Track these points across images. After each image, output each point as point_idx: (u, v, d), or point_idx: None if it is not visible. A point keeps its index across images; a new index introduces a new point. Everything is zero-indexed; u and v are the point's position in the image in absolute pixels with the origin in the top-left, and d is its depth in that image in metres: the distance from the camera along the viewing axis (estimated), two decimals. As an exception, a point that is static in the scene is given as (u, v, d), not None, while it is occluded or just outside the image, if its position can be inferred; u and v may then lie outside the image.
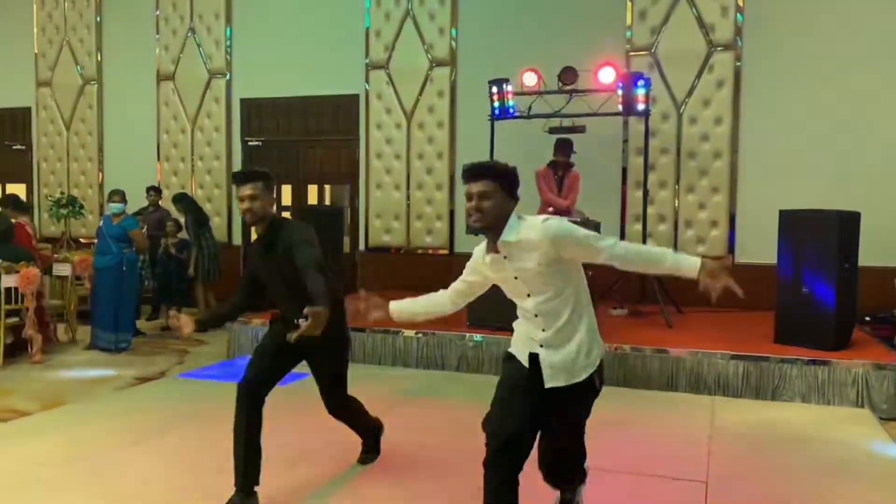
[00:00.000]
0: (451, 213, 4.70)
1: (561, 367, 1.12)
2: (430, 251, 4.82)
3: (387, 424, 1.95)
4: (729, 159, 4.18)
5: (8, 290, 3.36)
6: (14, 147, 5.82)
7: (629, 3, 4.28)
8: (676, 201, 4.33)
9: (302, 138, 5.18)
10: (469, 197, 1.10)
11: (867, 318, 3.77)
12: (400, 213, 4.84)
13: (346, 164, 5.14)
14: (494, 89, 3.97)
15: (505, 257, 1.11)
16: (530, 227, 1.09)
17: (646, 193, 4.00)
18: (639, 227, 4.05)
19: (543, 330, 1.13)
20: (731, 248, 4.21)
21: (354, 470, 1.85)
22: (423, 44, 4.67)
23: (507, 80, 3.95)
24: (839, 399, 2.77)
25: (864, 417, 2.58)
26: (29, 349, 3.44)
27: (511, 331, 1.26)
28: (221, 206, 5.23)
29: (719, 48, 4.14)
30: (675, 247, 4.08)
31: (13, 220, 3.77)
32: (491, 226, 1.10)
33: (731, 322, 3.60)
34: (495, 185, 1.09)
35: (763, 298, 2.95)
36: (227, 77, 5.18)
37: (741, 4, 4.09)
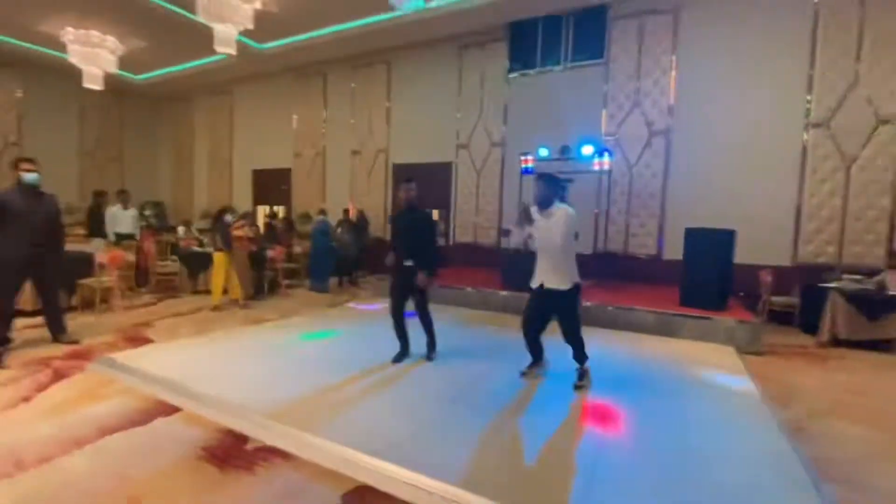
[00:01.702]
0: (499, 224, 8.12)
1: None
2: (485, 244, 8.30)
3: (458, 336, 5.37)
4: (660, 197, 6.90)
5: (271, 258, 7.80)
6: (283, 187, 11.06)
7: (604, 111, 7.40)
8: (627, 223, 7.14)
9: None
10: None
11: (741, 294, 6.01)
12: (468, 224, 8.44)
13: (442, 194, 8.99)
14: (522, 157, 7.40)
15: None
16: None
17: (607, 216, 6.96)
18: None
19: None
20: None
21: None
22: (487, 135, 8.36)
23: (528, 153, 7.34)
24: (715, 339, 4.73)
25: (728, 350, 4.58)
26: (280, 289, 7.79)
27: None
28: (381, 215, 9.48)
29: (657, 134, 6.98)
30: (625, 247, 6.99)
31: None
32: (543, 204, 3.21)
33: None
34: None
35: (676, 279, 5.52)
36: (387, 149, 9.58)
37: (672, 104, 6.90)
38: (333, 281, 8.10)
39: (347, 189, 9.84)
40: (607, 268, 6.91)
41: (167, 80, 10.97)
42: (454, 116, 8.53)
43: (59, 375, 3.46)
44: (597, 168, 6.65)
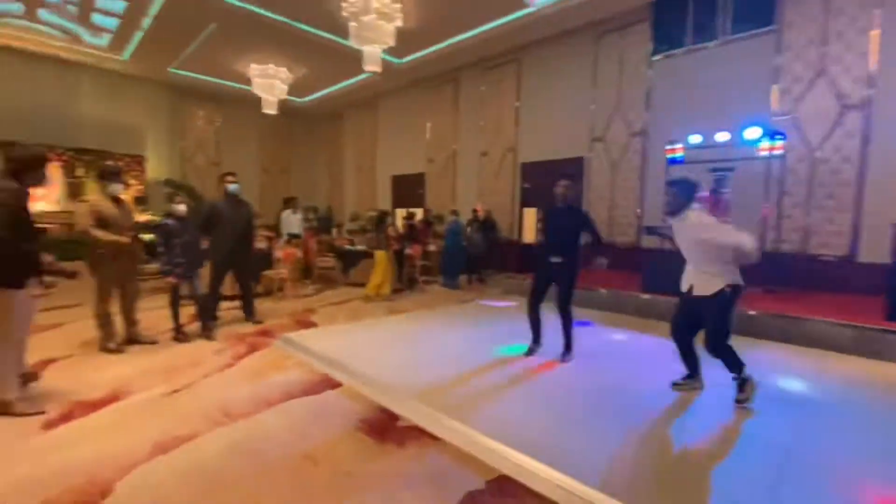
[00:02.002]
0: (638, 221, 7.48)
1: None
2: (622, 243, 7.72)
3: (594, 339, 5.19)
4: (854, 185, 5.58)
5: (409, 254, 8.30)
6: (418, 191, 11.85)
7: (774, 87, 6.26)
8: (806, 218, 5.92)
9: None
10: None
11: None
12: (601, 221, 7.95)
13: (573, 191, 8.61)
14: (668, 146, 6.69)
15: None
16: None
17: (779, 210, 5.89)
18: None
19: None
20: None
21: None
22: (626, 125, 7.75)
23: (676, 141, 6.60)
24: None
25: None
26: (417, 284, 8.27)
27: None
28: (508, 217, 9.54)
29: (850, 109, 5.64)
30: (804, 247, 5.83)
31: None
32: (675, 211, 3.01)
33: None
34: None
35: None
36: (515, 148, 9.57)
37: (873, 71, 5.51)
38: (463, 278, 8.38)
39: (476, 190, 10.10)
40: (778, 271, 5.85)
41: (323, 100, 12.60)
42: (587, 109, 8.13)
43: (252, 348, 4.22)
44: (764, 153, 5.69)
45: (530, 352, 3.91)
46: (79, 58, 9.91)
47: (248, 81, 10.20)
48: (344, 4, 6.57)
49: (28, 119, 9.69)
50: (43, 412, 2.80)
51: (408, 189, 11.81)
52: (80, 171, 10.28)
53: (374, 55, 6.84)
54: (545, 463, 2.21)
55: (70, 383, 3.25)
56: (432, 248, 9.10)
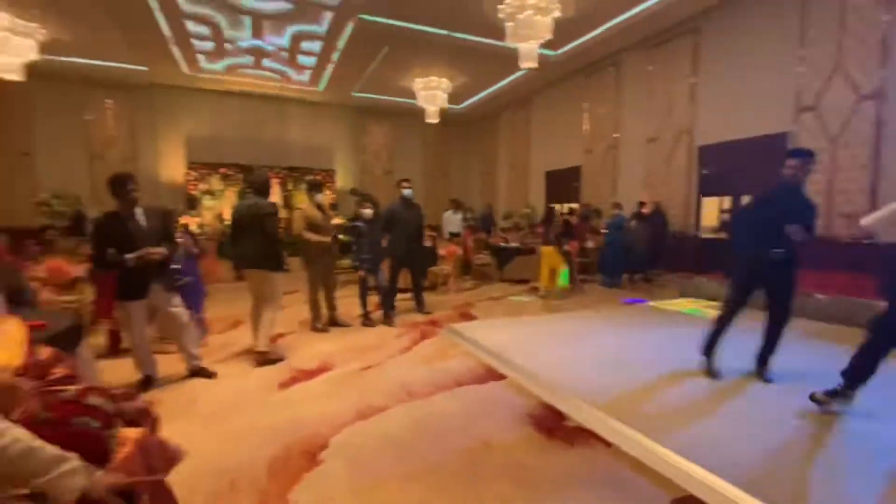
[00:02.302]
0: (871, 208, 5.84)
1: None
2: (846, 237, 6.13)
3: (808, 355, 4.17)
4: None
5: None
6: (573, 185, 11.46)
7: None
8: None
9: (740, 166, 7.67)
10: None
11: None
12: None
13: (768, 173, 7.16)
14: None
15: None
16: None
17: None
18: None
19: None
20: None
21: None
22: (852, 87, 6.12)
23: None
24: None
25: None
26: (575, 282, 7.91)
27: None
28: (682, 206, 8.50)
29: None
30: None
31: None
32: None
33: None
34: None
35: None
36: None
37: None
38: (625, 278, 7.78)
39: (641, 181, 9.24)
40: None
41: (479, 104, 13.10)
42: (792, 72, 6.69)
43: (424, 336, 4.65)
44: None
45: (711, 369, 3.33)
46: (288, 94, 12.27)
47: (413, 95, 11.22)
48: (500, 7, 6.72)
49: (254, 146, 12.42)
50: (283, 359, 3.87)
51: (562, 184, 11.48)
52: (290, 185, 12.73)
53: (530, 51, 6.83)
54: (745, 491, 1.92)
55: (293, 354, 4.06)
56: (590, 244, 8.67)
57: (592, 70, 10.19)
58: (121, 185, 2.99)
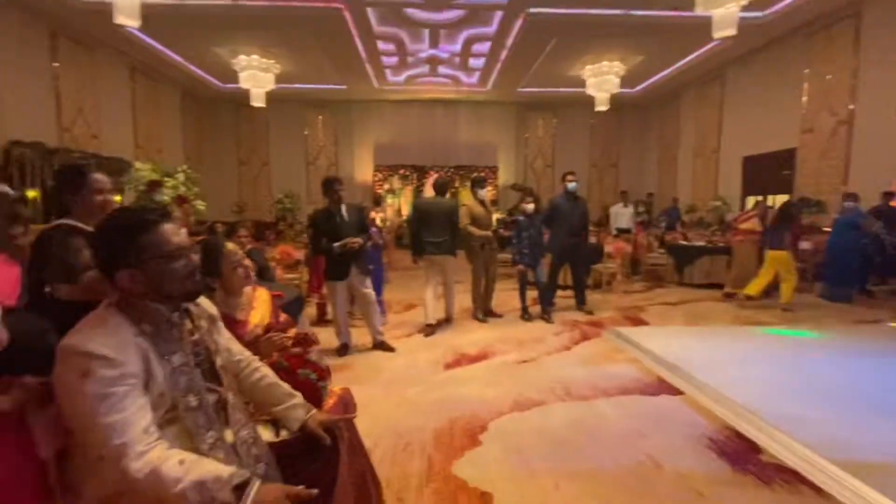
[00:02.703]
0: None
1: None
2: None
3: None
4: None
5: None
6: (784, 173, 9.41)
7: None
8: None
9: None
10: None
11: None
12: None
13: None
14: None
15: None
16: None
17: None
18: None
19: None
20: None
21: None
22: None
23: None
24: None
25: None
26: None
27: None
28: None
29: None
30: None
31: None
32: None
33: None
34: None
35: None
36: None
37: None
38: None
39: (890, 164, 7.04)
40: None
41: (657, 84, 11.77)
42: None
43: (584, 336, 4.47)
44: None
45: None
46: (457, 96, 13.03)
47: (579, 84, 10.72)
48: (688, -27, 5.90)
49: (428, 148, 13.59)
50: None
51: (768, 171, 9.50)
52: (457, 183, 13.58)
53: (728, 17, 5.83)
54: None
55: (457, 339, 4.36)
56: (805, 245, 7.00)
57: (817, 27, 8.15)
58: (330, 185, 3.68)
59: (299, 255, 5.60)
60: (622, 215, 8.36)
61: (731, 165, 10.56)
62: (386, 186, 13.57)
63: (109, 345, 0.92)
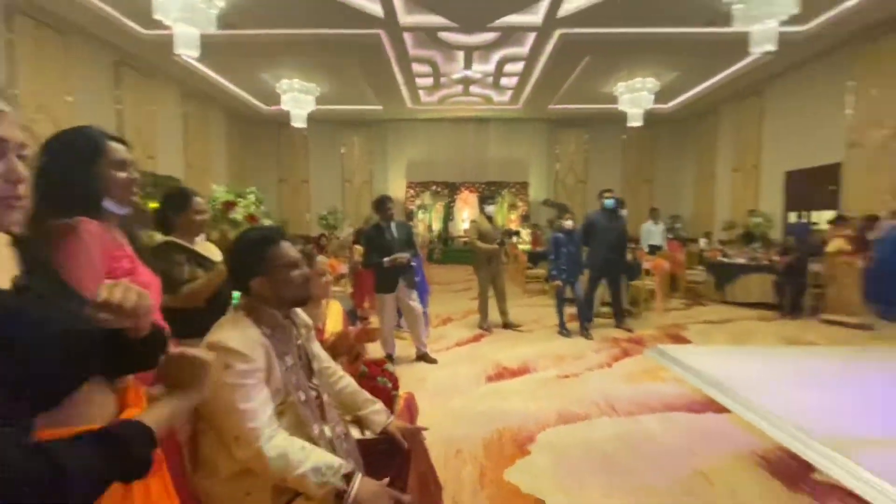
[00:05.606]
0: None
1: None
2: None
3: None
4: None
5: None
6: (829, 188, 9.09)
7: None
8: None
9: None
10: None
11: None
12: None
13: None
14: None
15: None
16: None
17: None
18: None
19: None
20: None
21: None
22: None
23: None
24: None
25: None
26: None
27: None
28: None
29: None
30: None
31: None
32: None
33: None
34: None
35: None
36: None
37: None
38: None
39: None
40: None
41: (693, 100, 11.65)
42: None
43: (625, 353, 4.45)
44: None
45: None
46: (488, 114, 13.26)
47: (611, 100, 10.75)
48: (725, -10, 5.93)
49: (459, 165, 13.84)
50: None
51: (812, 186, 9.20)
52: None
53: (767, 33, 5.81)
54: None
55: (497, 352, 4.44)
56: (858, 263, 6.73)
57: (863, 39, 7.96)
58: (382, 203, 3.91)
59: (343, 268, 5.83)
60: (653, 233, 8.25)
61: (773, 181, 10.30)
62: (417, 202, 13.84)
63: (243, 343, 1.08)
